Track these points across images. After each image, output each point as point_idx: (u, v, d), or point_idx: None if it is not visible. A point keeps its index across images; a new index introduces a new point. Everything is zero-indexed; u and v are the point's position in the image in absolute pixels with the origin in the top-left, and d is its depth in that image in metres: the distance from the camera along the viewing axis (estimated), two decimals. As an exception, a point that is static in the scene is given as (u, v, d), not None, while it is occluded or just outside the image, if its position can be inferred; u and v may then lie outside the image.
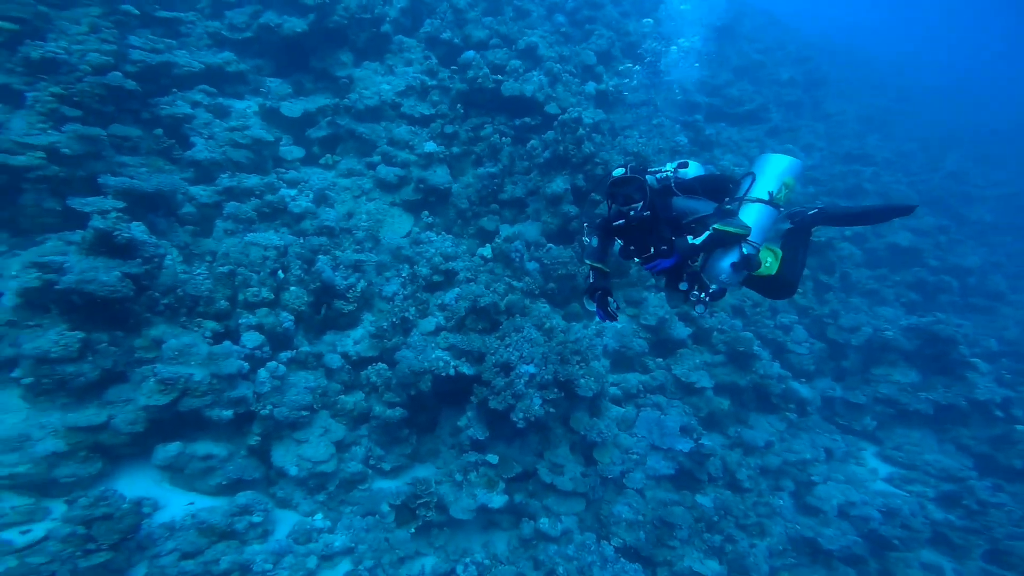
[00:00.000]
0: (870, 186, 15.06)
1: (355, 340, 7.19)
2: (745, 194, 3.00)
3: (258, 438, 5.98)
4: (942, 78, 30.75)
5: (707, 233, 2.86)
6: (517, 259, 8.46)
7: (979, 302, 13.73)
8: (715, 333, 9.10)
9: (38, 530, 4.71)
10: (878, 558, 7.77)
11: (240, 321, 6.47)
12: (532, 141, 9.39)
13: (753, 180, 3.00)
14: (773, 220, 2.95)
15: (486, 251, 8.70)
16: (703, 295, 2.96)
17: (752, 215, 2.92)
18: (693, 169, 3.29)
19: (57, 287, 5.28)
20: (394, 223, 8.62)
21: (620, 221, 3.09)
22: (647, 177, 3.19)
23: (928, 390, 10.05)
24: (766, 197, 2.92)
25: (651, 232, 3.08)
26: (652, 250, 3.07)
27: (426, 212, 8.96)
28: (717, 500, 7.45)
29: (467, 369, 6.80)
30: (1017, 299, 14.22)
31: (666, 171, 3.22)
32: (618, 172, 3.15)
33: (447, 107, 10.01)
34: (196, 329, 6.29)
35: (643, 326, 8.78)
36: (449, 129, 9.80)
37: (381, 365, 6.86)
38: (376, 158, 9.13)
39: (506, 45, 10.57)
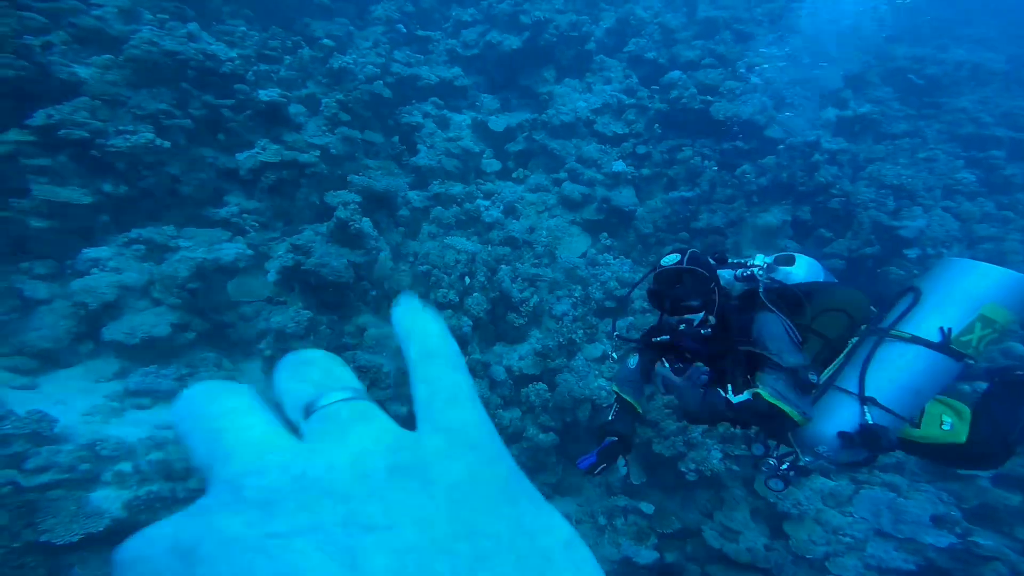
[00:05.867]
0: None
1: (520, 355, 7.24)
2: (893, 325, 1.85)
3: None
4: None
5: (743, 396, 1.79)
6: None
7: None
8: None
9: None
10: None
11: (429, 321, 7.18)
12: (744, 166, 8.52)
13: (915, 302, 1.86)
14: (946, 374, 1.80)
15: (665, 282, 8.19)
16: (784, 467, 1.94)
17: (903, 362, 1.79)
18: (801, 268, 2.11)
19: (303, 267, 6.35)
20: (572, 242, 8.63)
21: (663, 337, 2.04)
22: (722, 272, 2.09)
23: None
24: (936, 339, 1.76)
25: (717, 361, 1.95)
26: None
27: (605, 234, 8.78)
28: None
29: (632, 404, 6.58)
30: None
31: (754, 266, 2.07)
32: (669, 260, 2.01)
33: (642, 127, 9.65)
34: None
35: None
36: (642, 150, 9.44)
37: (541, 385, 6.80)
38: (563, 174, 9.25)
39: (721, 66, 9.78)
